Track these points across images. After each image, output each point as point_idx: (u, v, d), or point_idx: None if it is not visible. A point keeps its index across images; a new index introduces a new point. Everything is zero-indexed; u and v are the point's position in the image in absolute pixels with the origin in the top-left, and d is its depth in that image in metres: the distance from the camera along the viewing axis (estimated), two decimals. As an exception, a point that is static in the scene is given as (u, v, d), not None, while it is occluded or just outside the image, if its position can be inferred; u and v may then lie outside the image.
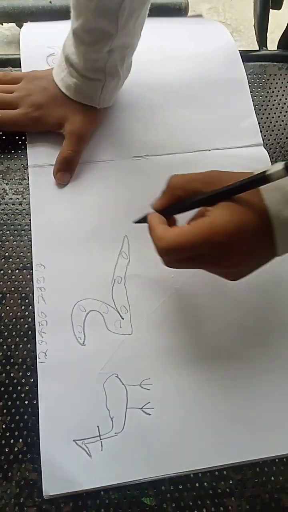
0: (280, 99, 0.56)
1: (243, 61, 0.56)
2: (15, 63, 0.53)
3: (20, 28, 0.56)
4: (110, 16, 0.40)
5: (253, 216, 0.32)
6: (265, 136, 0.53)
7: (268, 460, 0.38)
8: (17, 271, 0.44)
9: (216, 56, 0.56)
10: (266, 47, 0.62)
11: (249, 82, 0.55)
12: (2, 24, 1.36)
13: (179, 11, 1.19)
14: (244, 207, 0.32)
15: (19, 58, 0.53)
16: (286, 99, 0.56)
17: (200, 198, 0.34)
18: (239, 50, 0.57)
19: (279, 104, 0.55)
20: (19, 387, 0.39)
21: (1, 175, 0.48)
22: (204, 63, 0.56)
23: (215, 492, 0.37)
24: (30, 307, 0.42)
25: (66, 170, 0.47)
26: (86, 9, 0.40)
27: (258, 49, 0.61)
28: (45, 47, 0.54)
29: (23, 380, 0.39)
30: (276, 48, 0.62)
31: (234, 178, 0.33)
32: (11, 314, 0.42)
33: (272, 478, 0.37)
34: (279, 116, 0.55)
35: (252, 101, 0.54)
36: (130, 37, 0.44)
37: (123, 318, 0.42)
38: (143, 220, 0.39)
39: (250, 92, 0.54)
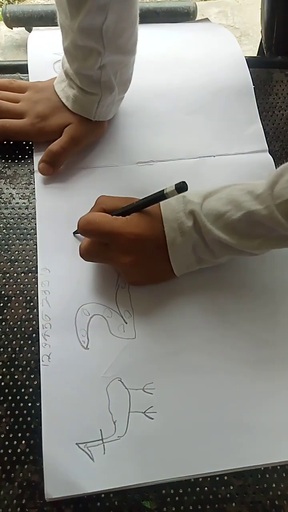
0: (286, 106, 0.56)
1: (249, 67, 0.56)
2: (23, 69, 0.54)
3: (30, 32, 0.57)
4: (94, 35, 0.41)
5: (154, 231, 0.40)
6: (270, 142, 0.53)
7: (270, 466, 0.38)
8: (22, 274, 0.44)
9: (222, 62, 0.56)
10: (273, 53, 0.62)
11: (255, 88, 0.55)
12: (12, 28, 1.38)
13: (187, 15, 1.19)
14: (149, 221, 0.41)
15: (27, 65, 0.54)
16: (292, 105, 0.56)
17: (117, 211, 0.42)
18: (245, 56, 0.57)
19: (285, 111, 0.55)
20: (22, 390, 0.40)
21: (9, 180, 0.49)
22: (209, 69, 0.56)
23: (216, 497, 0.37)
24: (35, 310, 0.42)
25: (49, 163, 0.48)
26: (71, 30, 0.41)
27: (264, 54, 0.62)
28: (52, 54, 0.54)
29: (27, 383, 0.40)
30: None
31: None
32: (16, 316, 0.42)
33: (274, 485, 0.37)
34: (285, 123, 0.55)
35: (258, 107, 0.54)
36: (122, 54, 0.44)
37: (126, 323, 0.42)
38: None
39: (256, 98, 0.54)
